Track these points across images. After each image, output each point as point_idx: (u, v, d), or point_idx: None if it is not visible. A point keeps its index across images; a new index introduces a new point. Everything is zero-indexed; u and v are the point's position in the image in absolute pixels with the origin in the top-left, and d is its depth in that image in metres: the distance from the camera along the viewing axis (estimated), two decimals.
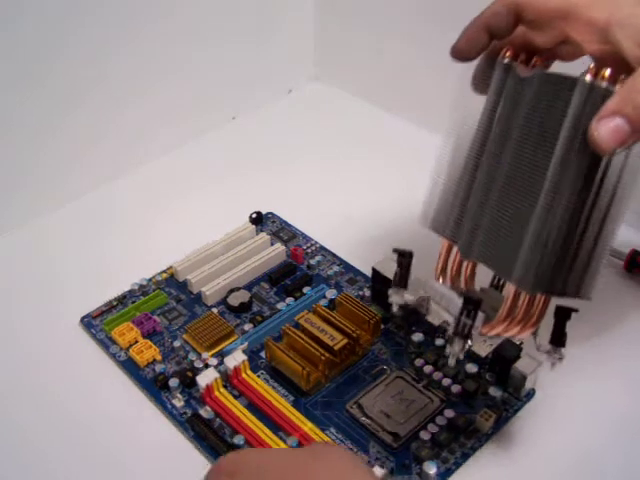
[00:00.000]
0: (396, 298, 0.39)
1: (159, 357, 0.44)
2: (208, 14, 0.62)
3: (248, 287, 0.49)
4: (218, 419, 0.40)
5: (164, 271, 0.50)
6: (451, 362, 0.37)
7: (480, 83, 0.36)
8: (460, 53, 0.35)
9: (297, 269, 0.51)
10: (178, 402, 0.42)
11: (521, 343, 0.42)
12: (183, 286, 0.50)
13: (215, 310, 0.47)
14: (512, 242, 0.33)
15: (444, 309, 0.37)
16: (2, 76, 0.51)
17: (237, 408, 0.41)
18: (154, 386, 0.43)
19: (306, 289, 0.49)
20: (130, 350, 0.44)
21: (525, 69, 0.34)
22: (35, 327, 0.48)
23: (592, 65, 0.31)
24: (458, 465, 0.39)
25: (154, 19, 0.59)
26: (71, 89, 0.55)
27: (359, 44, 0.68)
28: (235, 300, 0.48)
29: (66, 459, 0.40)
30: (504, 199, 0.34)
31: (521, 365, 0.41)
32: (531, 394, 0.42)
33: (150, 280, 0.50)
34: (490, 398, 0.41)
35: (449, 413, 0.40)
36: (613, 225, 0.34)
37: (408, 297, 0.39)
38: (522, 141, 0.33)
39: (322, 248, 0.53)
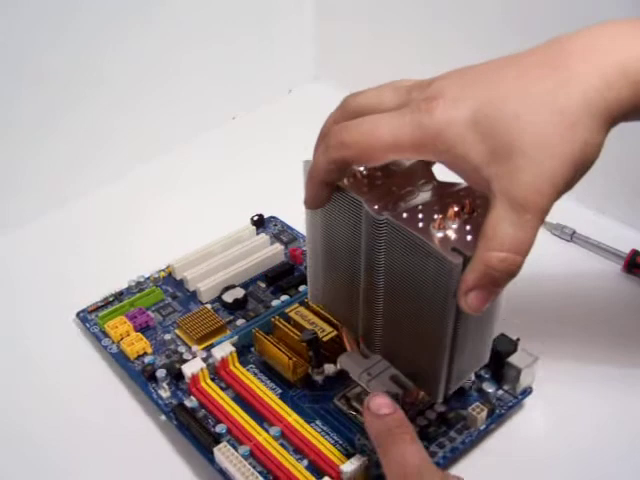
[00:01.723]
0: (318, 377, 0.41)
1: (150, 350, 0.44)
2: (208, 14, 0.63)
3: (245, 285, 0.49)
4: (203, 409, 0.40)
5: (163, 270, 0.51)
6: None
7: (318, 207, 0.35)
8: (312, 207, 0.35)
9: (295, 269, 0.50)
10: (164, 392, 0.41)
11: (517, 338, 0.41)
12: (180, 284, 0.50)
13: (209, 307, 0.47)
14: (409, 353, 0.35)
15: (364, 384, 0.38)
16: (2, 77, 0.52)
17: (221, 398, 0.40)
18: (142, 377, 0.42)
19: (302, 287, 0.48)
20: (121, 342, 0.44)
21: (375, 205, 0.32)
22: (34, 323, 0.49)
23: (440, 217, 0.31)
24: (446, 459, 0.37)
25: (154, 19, 0.60)
26: (71, 89, 0.56)
27: (359, 44, 0.68)
28: (229, 297, 0.47)
29: (56, 445, 0.41)
30: (388, 317, 0.35)
31: (516, 359, 0.40)
32: (528, 392, 0.41)
33: (148, 278, 0.50)
34: (483, 394, 0.40)
35: (439, 407, 0.39)
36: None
37: (329, 369, 0.41)
38: (390, 280, 0.33)
39: None
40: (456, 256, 0.29)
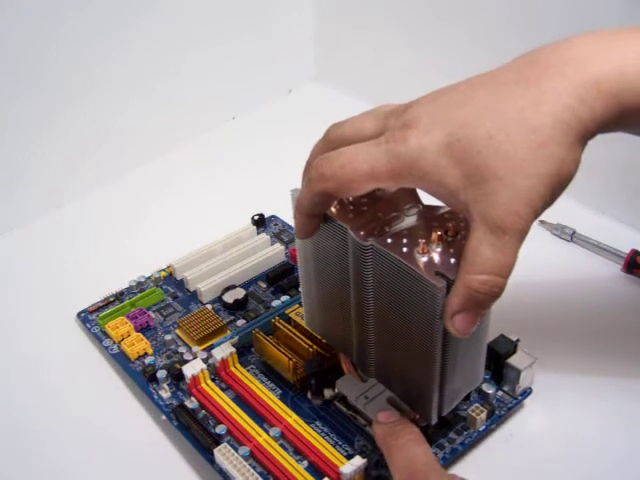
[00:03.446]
0: (317, 401, 0.41)
1: (150, 350, 0.44)
2: (208, 14, 0.63)
3: (245, 286, 0.49)
4: (203, 410, 0.40)
5: (163, 270, 0.51)
6: None
7: (309, 236, 0.35)
8: (303, 237, 0.35)
9: (295, 269, 0.50)
10: (165, 393, 0.41)
11: (517, 339, 0.41)
12: (181, 284, 0.50)
13: (210, 307, 0.47)
14: (401, 376, 0.35)
15: (361, 407, 0.38)
16: (2, 77, 0.52)
17: (221, 398, 0.40)
18: (143, 378, 0.42)
19: None
20: (122, 343, 0.44)
21: (361, 231, 0.33)
22: (34, 324, 0.49)
23: (424, 242, 0.31)
24: (446, 461, 0.37)
25: (155, 19, 0.60)
26: (72, 89, 0.57)
27: (359, 44, 0.68)
28: (230, 297, 0.47)
29: (58, 447, 0.41)
30: (380, 340, 0.35)
31: (515, 360, 0.40)
32: (528, 393, 0.41)
33: (149, 278, 0.50)
34: (483, 395, 0.40)
35: None
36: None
37: (328, 393, 0.41)
38: (379, 304, 0.34)
39: None
40: (439, 280, 0.30)
